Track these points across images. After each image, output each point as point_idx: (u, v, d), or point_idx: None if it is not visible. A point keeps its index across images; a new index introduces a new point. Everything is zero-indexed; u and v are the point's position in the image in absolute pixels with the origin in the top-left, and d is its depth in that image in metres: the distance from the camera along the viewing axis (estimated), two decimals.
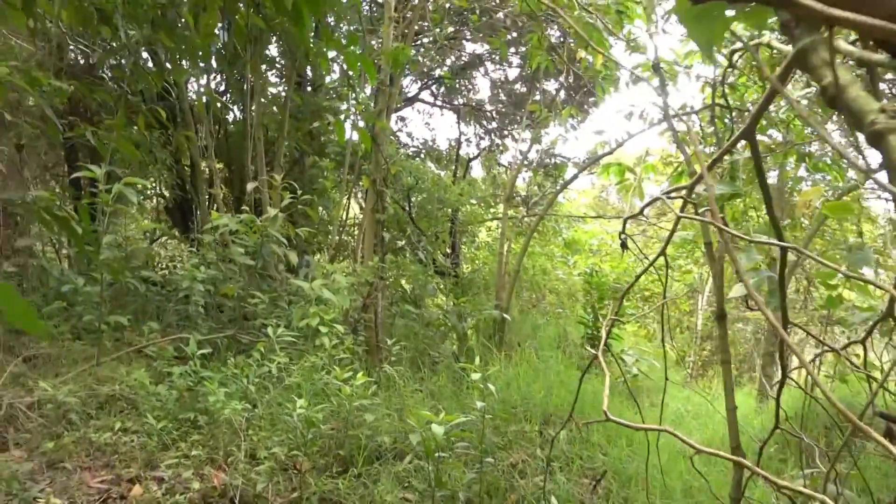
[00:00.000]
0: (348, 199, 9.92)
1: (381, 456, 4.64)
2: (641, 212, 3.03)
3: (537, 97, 9.27)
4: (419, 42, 11.82)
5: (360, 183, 11.05)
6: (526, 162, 9.18)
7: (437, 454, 4.01)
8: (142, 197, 11.69)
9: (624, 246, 3.00)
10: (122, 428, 4.64)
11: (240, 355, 6.02)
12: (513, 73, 12.97)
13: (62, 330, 6.41)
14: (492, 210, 10.80)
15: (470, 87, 13.78)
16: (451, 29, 11.32)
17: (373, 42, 8.72)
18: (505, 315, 7.36)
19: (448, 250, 9.41)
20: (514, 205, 9.24)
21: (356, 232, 10.99)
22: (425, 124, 19.30)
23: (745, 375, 15.96)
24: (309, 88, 10.40)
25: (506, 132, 13.48)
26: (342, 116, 7.58)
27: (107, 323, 6.16)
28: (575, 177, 7.72)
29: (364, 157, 7.30)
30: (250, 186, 6.15)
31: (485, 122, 13.75)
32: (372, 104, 6.60)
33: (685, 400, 9.28)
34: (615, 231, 16.41)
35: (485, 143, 13.80)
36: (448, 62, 13.02)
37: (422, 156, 12.75)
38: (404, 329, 7.52)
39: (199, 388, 5.12)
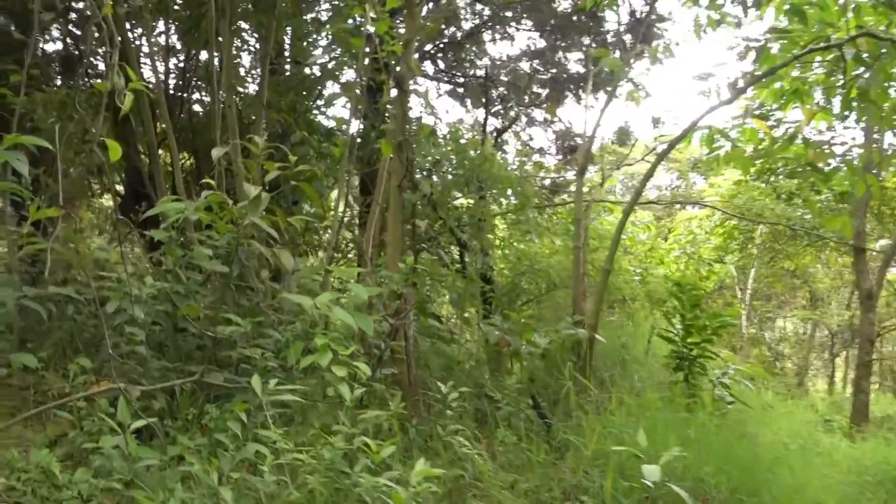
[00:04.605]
0: (347, 185, 7.86)
1: None
2: None
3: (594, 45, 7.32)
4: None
5: (349, 175, 9.01)
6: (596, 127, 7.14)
7: None
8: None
9: None
10: None
11: (213, 403, 3.95)
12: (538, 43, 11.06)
13: None
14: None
15: (479, 58, 11.84)
16: None
17: None
18: (597, 335, 5.27)
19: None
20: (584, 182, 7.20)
21: (356, 229, 8.98)
22: (426, 107, 17.26)
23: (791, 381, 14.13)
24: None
25: (526, 112, 11.53)
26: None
27: (7, 365, 4.13)
28: (687, 132, 5.65)
29: (372, 124, 5.21)
30: (216, 153, 4.03)
31: (499, 107, 11.79)
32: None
33: (787, 429, 7.31)
34: (641, 224, 14.42)
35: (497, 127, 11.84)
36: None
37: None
38: (435, 356, 5.48)
39: (138, 481, 3.06)
